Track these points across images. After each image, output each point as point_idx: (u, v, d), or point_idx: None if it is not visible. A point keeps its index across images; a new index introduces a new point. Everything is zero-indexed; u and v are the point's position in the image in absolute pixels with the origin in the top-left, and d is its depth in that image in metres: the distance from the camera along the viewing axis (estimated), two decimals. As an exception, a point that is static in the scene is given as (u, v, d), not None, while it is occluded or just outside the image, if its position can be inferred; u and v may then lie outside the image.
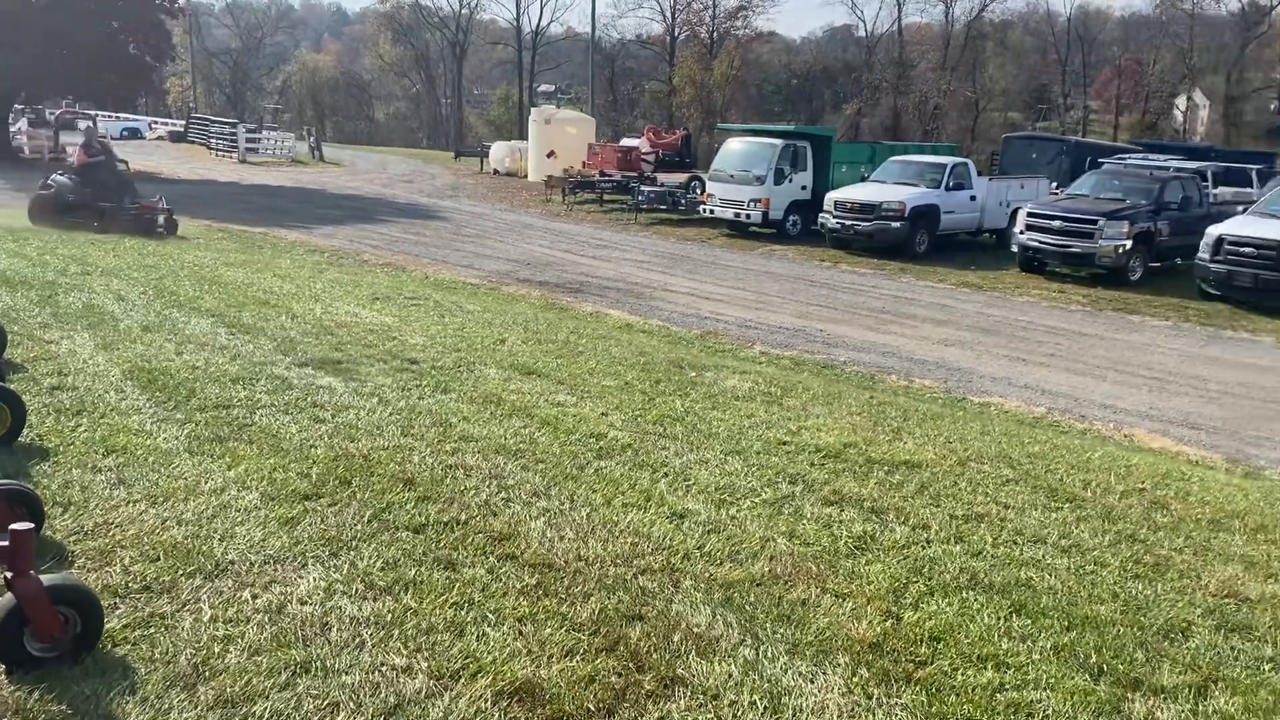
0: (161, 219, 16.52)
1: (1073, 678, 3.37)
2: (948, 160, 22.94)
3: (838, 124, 60.89)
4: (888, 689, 3.22)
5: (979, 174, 23.40)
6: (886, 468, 5.67)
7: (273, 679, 2.93)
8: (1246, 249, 16.03)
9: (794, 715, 3.03)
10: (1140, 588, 4.25)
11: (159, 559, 3.61)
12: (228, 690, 2.86)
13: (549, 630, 3.35)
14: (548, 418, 5.94)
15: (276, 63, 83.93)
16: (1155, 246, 18.40)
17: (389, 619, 3.33)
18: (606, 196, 28.77)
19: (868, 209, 20.84)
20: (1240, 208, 19.12)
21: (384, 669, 3.03)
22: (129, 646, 3.04)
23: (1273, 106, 75.13)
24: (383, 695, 2.90)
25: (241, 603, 3.35)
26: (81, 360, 6.28)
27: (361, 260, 16.64)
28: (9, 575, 2.86)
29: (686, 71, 65.30)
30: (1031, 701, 3.20)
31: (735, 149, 24.57)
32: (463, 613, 3.42)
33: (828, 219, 21.50)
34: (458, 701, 2.90)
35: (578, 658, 3.20)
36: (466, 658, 3.13)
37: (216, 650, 3.05)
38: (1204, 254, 16.66)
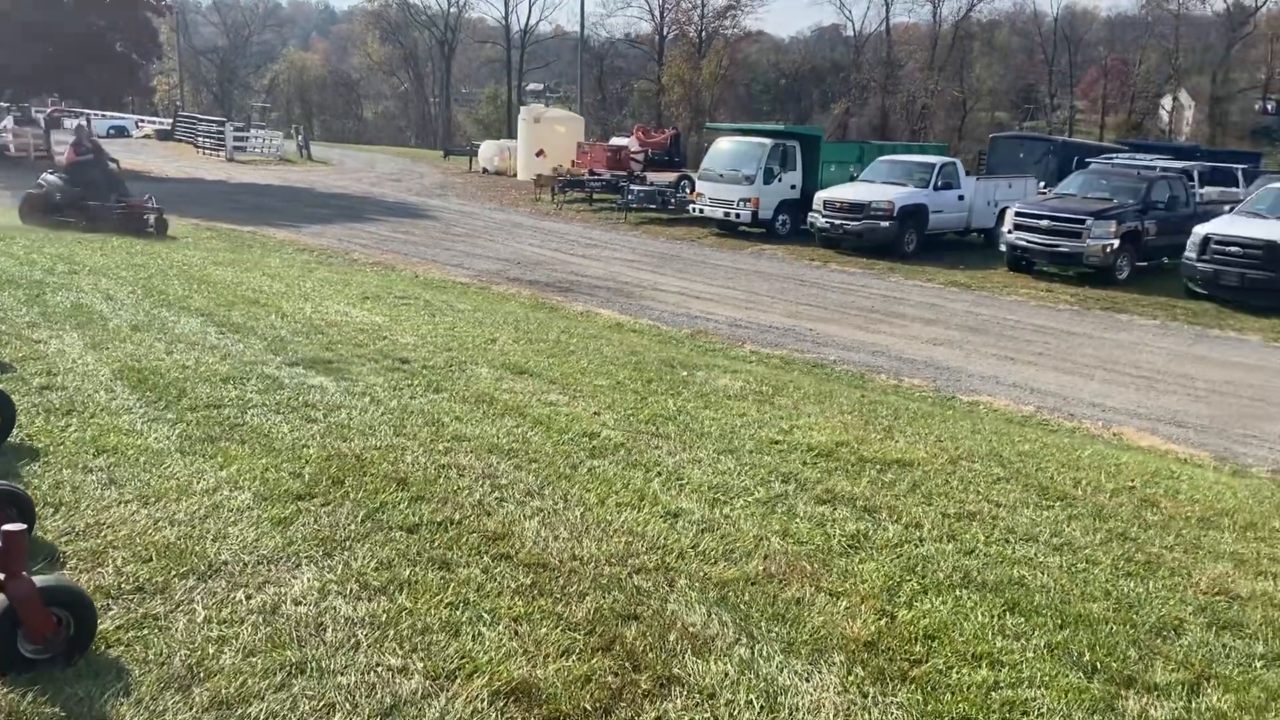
0: (151, 218, 16.43)
1: (1067, 676, 3.39)
2: (936, 160, 23.00)
3: (826, 123, 61.00)
4: (883, 687, 3.23)
5: (967, 174, 23.47)
6: (878, 466, 5.68)
7: (268, 680, 2.92)
8: (1233, 248, 16.13)
9: (790, 714, 3.03)
10: (1132, 586, 4.28)
11: (151, 560, 3.59)
12: (223, 691, 2.84)
13: (544, 630, 3.35)
14: (540, 417, 5.94)
15: (264, 61, 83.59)
16: (1142, 246, 18.50)
17: (384, 619, 3.32)
18: (596, 195, 28.75)
19: (857, 208, 20.89)
20: (1226, 207, 19.24)
21: (380, 669, 3.02)
22: (122, 648, 3.02)
23: (1257, 107, 75.62)
24: (379, 696, 2.89)
25: (235, 603, 3.34)
26: (71, 360, 6.24)
27: (351, 259, 16.59)
28: (1, 577, 2.84)
29: (675, 71, 65.39)
30: (1026, 700, 3.22)
31: (724, 148, 24.59)
32: (458, 613, 3.41)
33: (817, 218, 21.54)
34: (454, 702, 2.89)
35: (573, 657, 3.20)
36: (462, 658, 3.13)
37: (211, 651, 3.04)
38: (1191, 253, 16.76)
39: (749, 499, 4.85)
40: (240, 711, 2.78)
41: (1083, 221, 17.99)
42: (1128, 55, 74.05)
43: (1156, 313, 15.86)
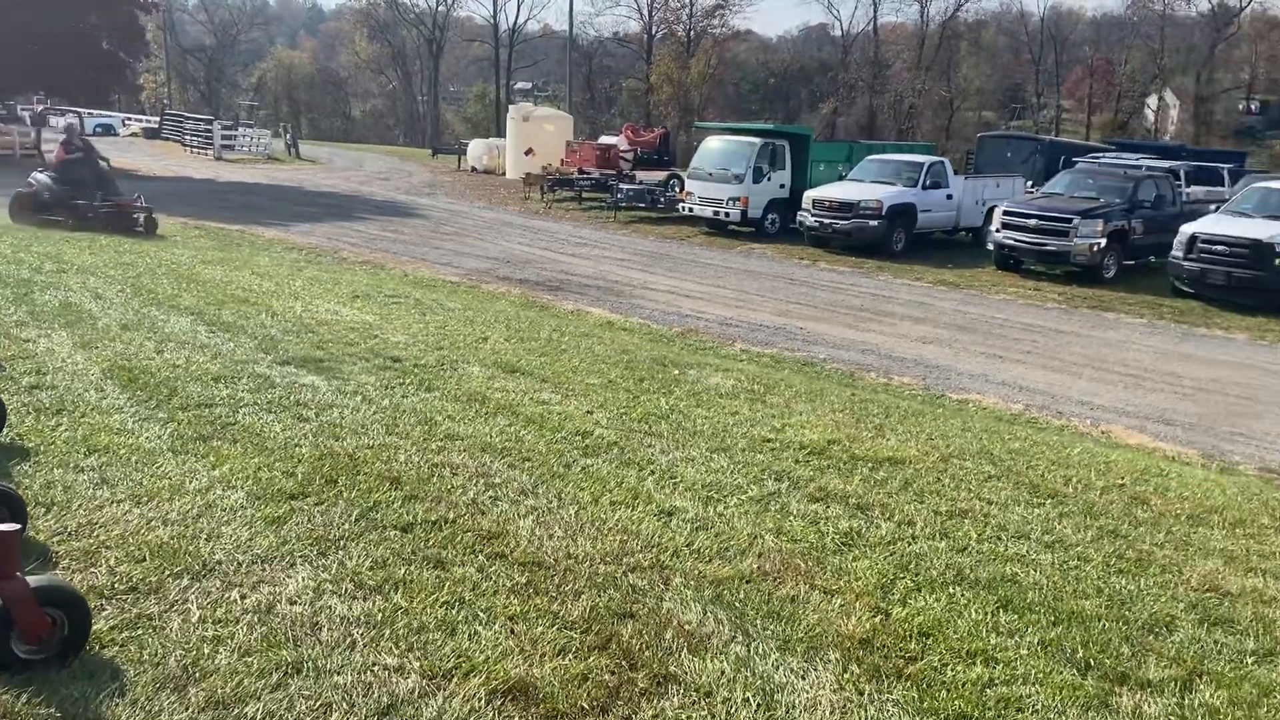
0: (140, 217, 16.34)
1: (1061, 672, 3.41)
2: (924, 159, 23.08)
3: (814, 123, 61.11)
4: (879, 685, 3.24)
5: (955, 173, 23.55)
6: (870, 464, 5.70)
7: (264, 680, 2.91)
8: (1219, 247, 16.22)
9: (787, 712, 3.04)
10: (1124, 583, 4.30)
11: (145, 559, 3.57)
12: (219, 691, 2.83)
13: (540, 629, 3.35)
14: (533, 416, 5.93)
15: (251, 59, 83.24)
16: (1129, 245, 18.60)
17: (380, 618, 3.31)
18: (585, 194, 28.73)
19: (846, 207, 20.93)
20: (1213, 206, 19.37)
21: (376, 669, 3.02)
22: (117, 648, 3.01)
23: (1241, 106, 76.11)
24: (376, 695, 2.88)
25: (230, 603, 3.33)
26: (60, 359, 6.20)
27: (340, 258, 16.54)
28: (-6, 577, 2.82)
29: (664, 70, 65.38)
30: (1021, 696, 3.23)
31: (714, 147, 24.60)
32: (454, 612, 3.41)
33: (806, 217, 21.58)
34: (451, 701, 2.89)
35: (570, 656, 3.20)
36: (459, 657, 3.12)
37: (206, 651, 3.03)
38: (1177, 252, 16.86)
39: (742, 497, 4.86)
40: (237, 711, 2.77)
41: (1070, 220, 18.07)
42: (1113, 55, 74.43)
43: (1143, 311, 15.95)
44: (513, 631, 3.32)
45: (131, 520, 3.88)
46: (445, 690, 2.94)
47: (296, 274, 12.52)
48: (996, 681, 3.31)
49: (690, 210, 24.01)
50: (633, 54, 72.89)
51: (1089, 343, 13.29)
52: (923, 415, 7.91)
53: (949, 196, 22.36)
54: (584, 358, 8.22)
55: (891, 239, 20.92)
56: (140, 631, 3.10)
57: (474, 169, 38.28)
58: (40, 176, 16.39)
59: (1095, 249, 17.93)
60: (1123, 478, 6.17)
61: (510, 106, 42.72)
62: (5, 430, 4.61)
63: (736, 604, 3.69)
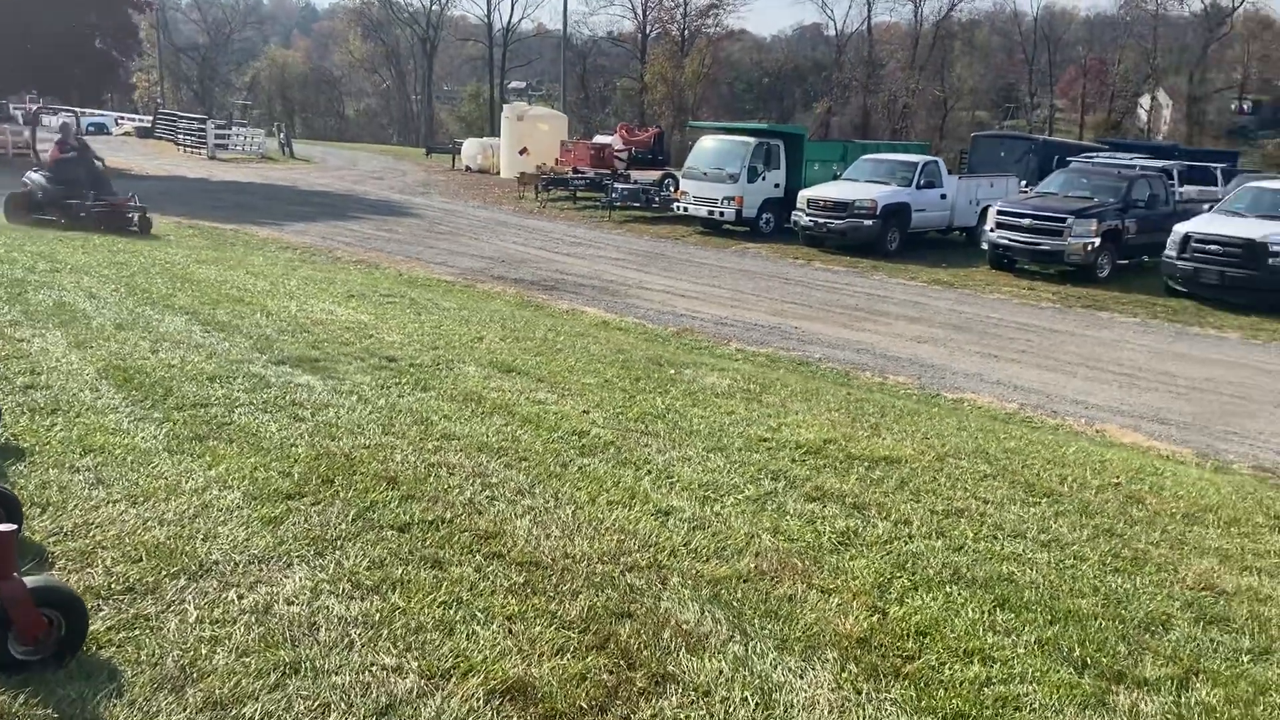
0: (135, 216, 16.30)
1: (1058, 671, 3.41)
2: (919, 159, 23.12)
3: (808, 122, 61.19)
4: (877, 684, 3.24)
5: (949, 172, 23.59)
6: (866, 464, 5.70)
7: (262, 680, 2.90)
8: (1213, 246, 16.28)
9: (785, 711, 3.04)
10: (1120, 581, 4.31)
11: (141, 560, 3.56)
12: (216, 692, 2.82)
13: (539, 628, 3.35)
14: (529, 415, 5.93)
15: (245, 58, 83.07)
16: (1123, 244, 18.65)
17: (377, 618, 3.31)
18: (580, 194, 28.72)
19: (840, 207, 20.96)
20: (1206, 206, 19.44)
21: (374, 669, 3.01)
22: (114, 649, 3.00)
23: (1233, 106, 76.36)
24: (374, 695, 2.88)
25: (227, 603, 3.32)
26: (54, 359, 6.18)
27: (334, 257, 16.52)
28: (-9, 578, 2.81)
29: (658, 69, 65.39)
30: (1019, 695, 3.24)
31: (708, 147, 24.61)
32: (451, 612, 3.40)
33: (801, 217, 21.60)
34: (450, 701, 2.89)
35: (568, 656, 3.20)
36: (457, 657, 3.12)
37: (204, 652, 3.02)
38: (1171, 251, 16.91)
39: (739, 496, 4.86)
40: (235, 712, 2.76)
41: (1064, 220, 18.12)
42: (1106, 55, 74.63)
43: (1137, 310, 15.99)
44: (510, 631, 3.32)
45: (128, 520, 3.87)
46: (444, 690, 2.94)
47: (291, 273, 12.50)
48: (994, 680, 3.32)
49: (685, 210, 24.02)
50: (627, 53, 72.91)
51: (1083, 342, 13.32)
52: (918, 414, 7.92)
53: (943, 196, 22.41)
54: (580, 357, 8.22)
55: (886, 238, 20.95)
56: (137, 632, 3.09)
57: (468, 168, 38.24)
58: (35, 176, 16.36)
59: (1089, 248, 17.98)
60: (1118, 477, 6.19)
61: (505, 106, 42.67)
62: (0, 430, 4.60)
63: (734, 603, 3.70)
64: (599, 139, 34.72)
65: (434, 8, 74.01)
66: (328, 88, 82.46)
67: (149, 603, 3.28)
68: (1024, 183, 24.87)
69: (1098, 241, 18.01)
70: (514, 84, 76.65)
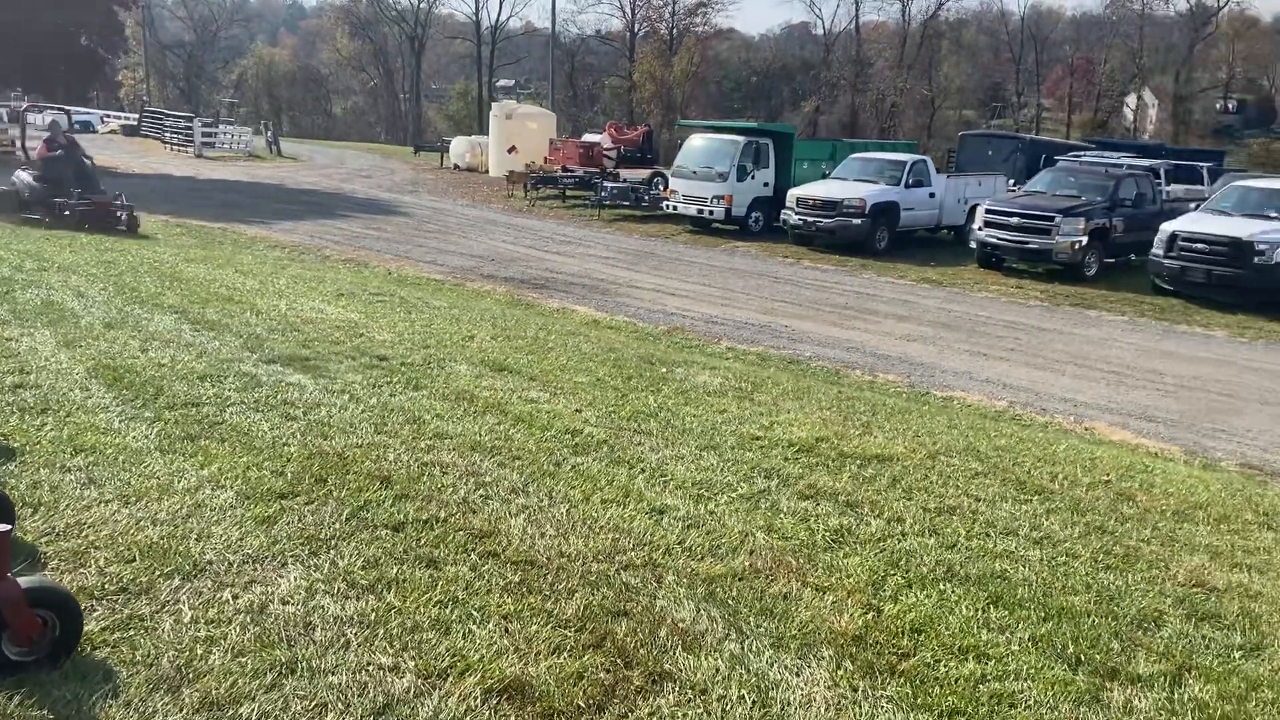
0: (123, 215, 16.20)
1: (1052, 668, 3.43)
2: (907, 158, 23.18)
3: (796, 121, 61.26)
4: (872, 681, 3.25)
5: (937, 171, 23.67)
6: (859, 462, 5.72)
7: (258, 680, 2.89)
8: (1199, 245, 16.37)
9: (782, 709, 3.05)
10: (1112, 578, 4.33)
11: (134, 560, 3.55)
12: (213, 692, 2.81)
13: (535, 627, 3.35)
14: (522, 414, 5.92)
15: (232, 56, 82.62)
16: (1110, 243, 18.74)
17: (373, 618, 3.30)
18: (569, 192, 28.69)
19: (829, 206, 21.00)
20: (1192, 204, 19.54)
21: (371, 668, 3.00)
22: (109, 649, 2.98)
23: (1219, 106, 76.82)
24: (371, 695, 2.87)
25: (222, 603, 3.30)
26: (43, 358, 6.14)
27: (323, 256, 16.47)
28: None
29: (647, 68, 65.38)
30: (1014, 692, 3.25)
31: (698, 145, 24.63)
32: (447, 611, 3.40)
33: (790, 216, 21.64)
34: (447, 700, 2.88)
35: (565, 654, 3.20)
36: (454, 656, 3.12)
37: (199, 652, 3.00)
38: (1158, 250, 17.00)
39: (733, 495, 4.87)
40: (231, 712, 2.75)
41: (1052, 219, 18.20)
42: (1093, 54, 74.99)
43: (1125, 309, 16.08)
44: (507, 630, 3.31)
45: (120, 520, 3.85)
46: (441, 689, 2.94)
47: (280, 272, 12.46)
48: (989, 677, 3.33)
49: (674, 208, 24.03)
50: (615, 52, 72.88)
51: (1071, 340, 13.39)
52: (909, 412, 7.94)
53: (931, 195, 22.48)
54: (571, 356, 8.21)
55: (875, 237, 21.01)
56: (132, 632, 3.08)
57: (456, 167, 38.16)
58: (22, 174, 16.26)
59: (1077, 247, 18.06)
60: (1108, 474, 6.22)
61: (493, 104, 42.61)
62: (-10, 430, 4.57)
63: (729, 601, 3.70)
64: (588, 137, 34.69)
65: (422, 6, 73.96)
66: (315, 86, 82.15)
67: (143, 603, 3.26)
68: (1012, 182, 24.96)
69: (1085, 240, 18.10)
70: (502, 82, 76.34)
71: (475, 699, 2.90)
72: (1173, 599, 4.18)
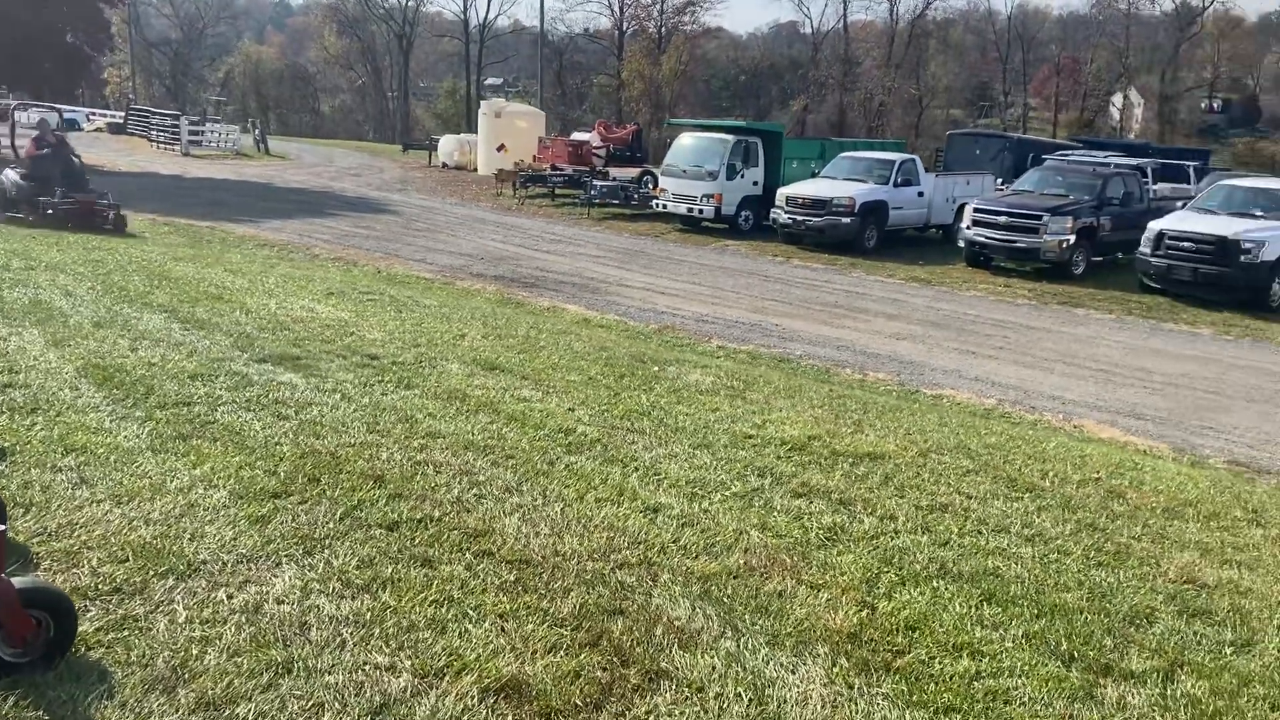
0: (111, 214, 16.11)
1: (1046, 665, 3.45)
2: (896, 157, 23.24)
3: (784, 120, 61.30)
4: (868, 678, 3.26)
5: (925, 170, 23.73)
6: (851, 460, 5.73)
7: (254, 680, 2.88)
8: (1186, 243, 16.45)
9: (778, 706, 3.05)
10: (1103, 575, 4.36)
11: (128, 560, 3.53)
12: (209, 692, 2.81)
13: (531, 626, 3.34)
14: (514, 413, 5.92)
15: (218, 54, 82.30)
16: (1098, 241, 18.82)
17: (369, 617, 3.29)
18: (558, 191, 28.67)
19: (818, 205, 21.03)
20: (1179, 203, 19.65)
21: (367, 668, 3.00)
22: (103, 650, 2.97)
23: (1204, 105, 77.25)
24: (368, 695, 2.87)
25: (217, 603, 3.29)
26: (32, 357, 6.11)
27: (312, 254, 16.41)
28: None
29: (635, 66, 65.30)
30: (1008, 689, 3.27)
31: (687, 144, 24.64)
32: (443, 610, 3.39)
33: (779, 214, 21.66)
34: (444, 699, 2.88)
35: (561, 653, 3.20)
36: (450, 655, 3.11)
37: (194, 652, 2.99)
38: (1145, 248, 17.08)
39: (726, 493, 4.87)
40: (228, 712, 2.74)
41: (1039, 217, 18.27)
42: (1079, 54, 75.27)
43: (1112, 307, 16.15)
44: (503, 629, 3.31)
45: (113, 520, 3.84)
46: (438, 689, 2.93)
47: (269, 271, 12.41)
48: (983, 674, 3.35)
49: (664, 207, 24.03)
50: (604, 50, 72.81)
51: (1059, 338, 13.44)
52: (899, 411, 7.96)
53: (920, 194, 22.54)
54: (563, 355, 8.21)
55: (864, 236, 21.06)
56: (126, 633, 3.07)
57: (445, 165, 38.08)
58: (9, 173, 16.16)
59: (1064, 245, 18.13)
60: (1098, 472, 6.25)
61: (482, 102, 42.55)
62: (-20, 430, 4.54)
63: (725, 599, 3.71)
64: (577, 136, 34.65)
65: (410, 4, 73.77)
66: (302, 84, 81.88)
67: (137, 603, 3.25)
68: (999, 180, 25.05)
69: (1073, 239, 18.17)
70: (490, 80, 76.36)
71: (472, 698, 2.90)
72: (1164, 596, 4.20)
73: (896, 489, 5.29)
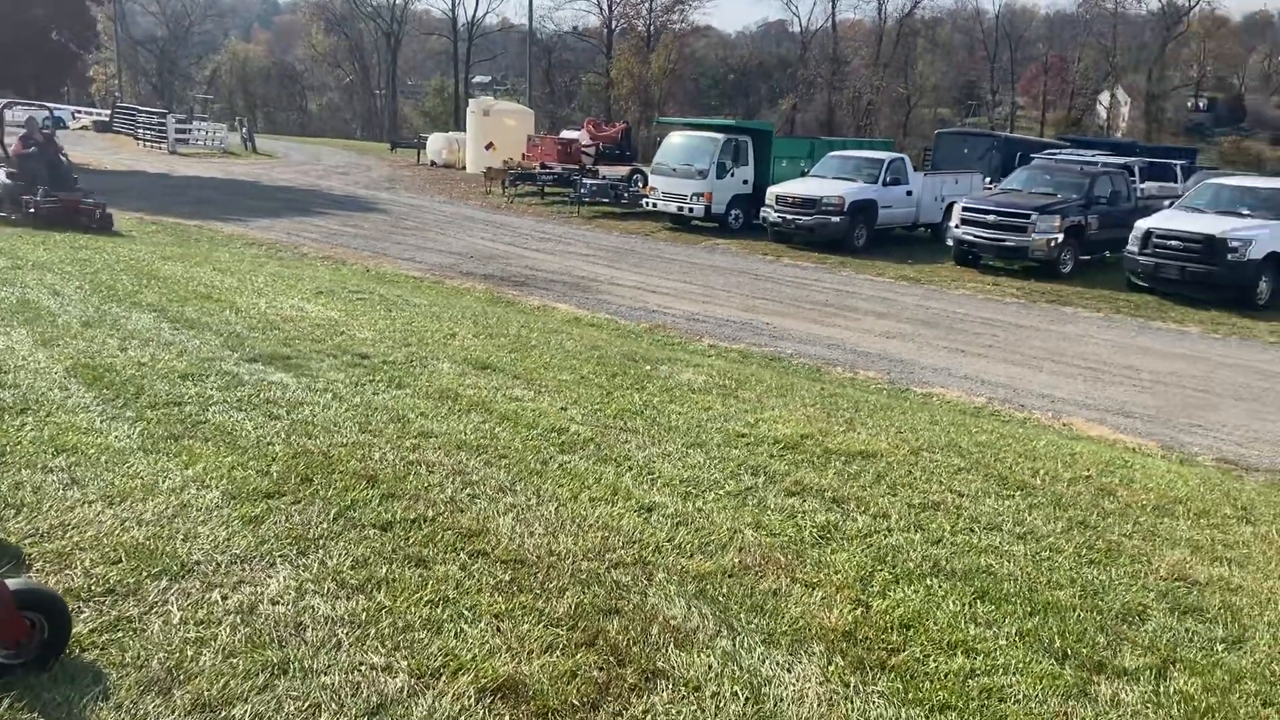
0: (97, 213, 16.00)
1: (1040, 662, 3.46)
2: (885, 156, 23.30)
3: (773, 118, 61.39)
4: (863, 677, 3.27)
5: (914, 169, 23.79)
6: (843, 458, 5.75)
7: (250, 681, 2.87)
8: (1173, 242, 16.53)
9: (775, 705, 3.06)
10: (1095, 573, 4.38)
11: (121, 561, 3.51)
12: (205, 694, 2.79)
13: (527, 626, 3.34)
14: (507, 413, 5.91)
15: (205, 52, 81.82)
16: (1086, 240, 18.91)
17: (364, 618, 3.28)
18: (547, 189, 28.63)
19: (808, 203, 21.07)
20: (1166, 202, 19.76)
21: (363, 668, 2.99)
22: (98, 651, 2.95)
23: (1190, 104, 77.66)
24: (365, 695, 2.86)
25: (211, 604, 3.28)
26: (20, 357, 6.07)
27: (301, 253, 16.35)
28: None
29: (624, 64, 65.26)
30: (1003, 686, 3.28)
31: (677, 143, 24.65)
32: (438, 610, 3.39)
33: (769, 213, 21.70)
34: (441, 700, 2.88)
35: (558, 653, 3.20)
36: (446, 655, 3.11)
37: (190, 653, 2.98)
38: (1132, 247, 17.16)
39: (720, 492, 4.88)
40: (224, 714, 2.73)
41: (1028, 216, 18.34)
42: (1066, 53, 75.62)
43: (1100, 305, 16.23)
44: (499, 629, 3.31)
45: (105, 521, 3.82)
46: (434, 689, 2.93)
47: (258, 270, 12.36)
48: (978, 672, 3.36)
49: (654, 205, 24.04)
50: (592, 48, 72.75)
51: (1048, 337, 13.50)
52: (890, 409, 7.98)
53: (909, 193, 22.61)
54: (554, 354, 8.20)
55: (853, 235, 21.11)
56: (121, 634, 3.05)
57: (433, 163, 37.98)
58: None
59: (1052, 244, 18.21)
60: (1089, 469, 6.28)
61: (470, 100, 42.45)
62: (-31, 430, 4.52)
63: (720, 598, 3.71)
64: (566, 134, 34.61)
65: (397, 1, 73.49)
66: (290, 82, 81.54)
67: (131, 604, 3.24)
68: (988, 179, 25.12)
69: (1061, 237, 18.25)
70: (479, 78, 76.18)
71: (469, 698, 2.90)
72: (1156, 593, 4.23)
73: (889, 487, 5.31)
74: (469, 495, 4.49)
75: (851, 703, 3.12)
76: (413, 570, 3.67)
